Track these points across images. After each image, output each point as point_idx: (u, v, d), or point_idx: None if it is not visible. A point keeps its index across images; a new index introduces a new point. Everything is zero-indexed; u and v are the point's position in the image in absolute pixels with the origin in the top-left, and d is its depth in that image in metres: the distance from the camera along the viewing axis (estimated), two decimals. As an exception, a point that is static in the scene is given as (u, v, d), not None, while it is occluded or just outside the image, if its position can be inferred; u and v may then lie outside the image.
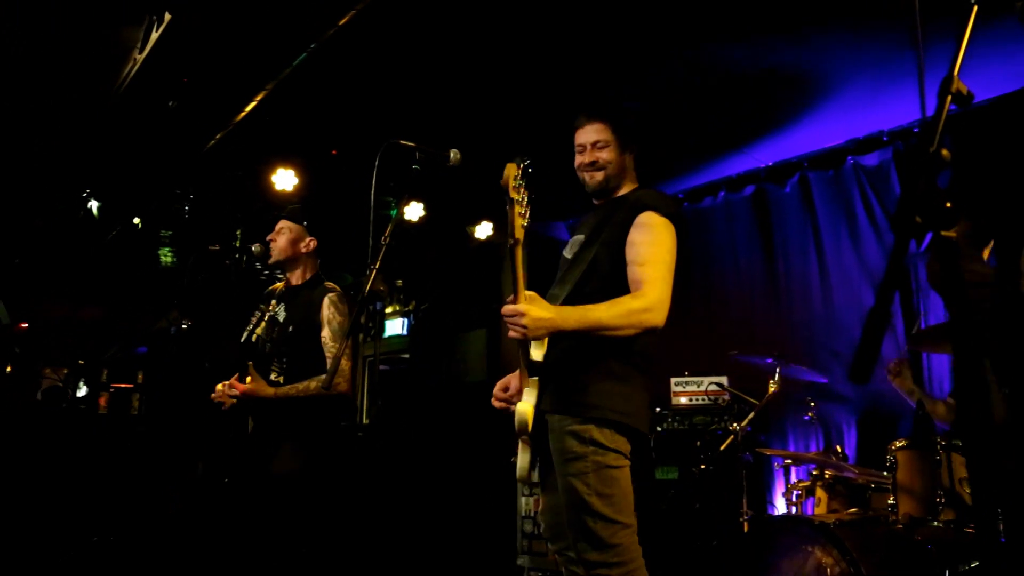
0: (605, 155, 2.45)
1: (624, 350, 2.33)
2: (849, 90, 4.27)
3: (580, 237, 2.50)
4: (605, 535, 2.20)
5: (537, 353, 2.34)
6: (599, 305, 2.20)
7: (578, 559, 2.25)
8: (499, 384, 2.56)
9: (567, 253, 2.55)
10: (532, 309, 2.10)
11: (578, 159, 2.51)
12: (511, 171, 2.11)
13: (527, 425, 2.30)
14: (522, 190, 2.12)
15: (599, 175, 2.46)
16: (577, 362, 2.32)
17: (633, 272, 2.28)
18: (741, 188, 5.57)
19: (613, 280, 2.31)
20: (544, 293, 2.36)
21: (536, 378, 2.33)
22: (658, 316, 2.22)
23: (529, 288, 2.20)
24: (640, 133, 2.30)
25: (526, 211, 2.14)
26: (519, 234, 2.12)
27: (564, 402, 2.30)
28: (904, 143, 4.60)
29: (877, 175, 4.74)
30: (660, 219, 2.32)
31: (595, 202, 2.58)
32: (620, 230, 2.34)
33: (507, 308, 2.12)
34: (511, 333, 2.14)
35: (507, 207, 2.12)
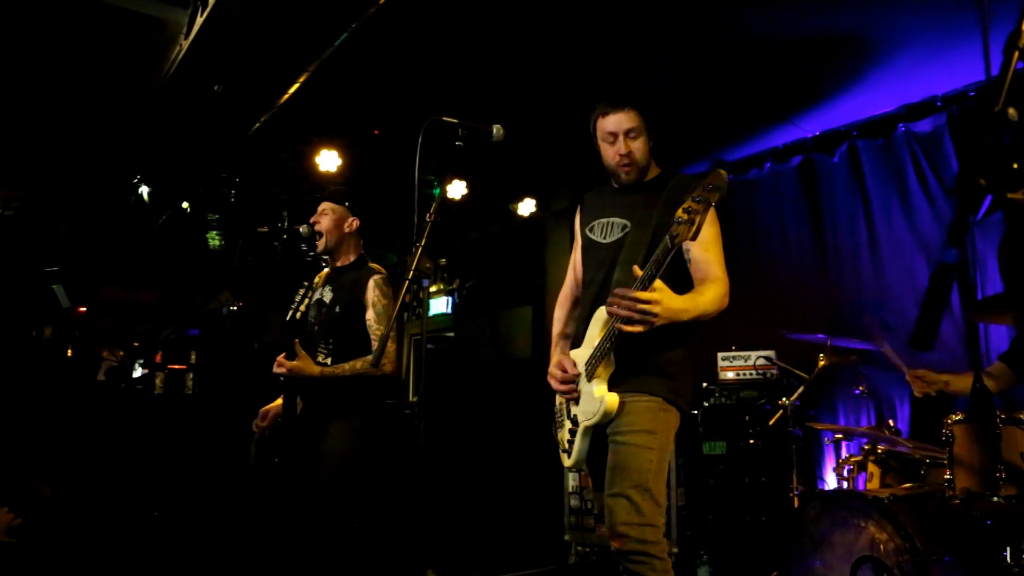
0: (638, 145, 2.44)
1: (691, 337, 2.45)
2: (901, 53, 4.12)
3: (618, 220, 2.50)
4: (648, 513, 2.25)
5: (595, 332, 2.39)
6: (700, 296, 2.27)
7: (617, 534, 2.24)
8: (557, 369, 2.53)
9: (599, 236, 2.54)
10: (665, 299, 2.10)
11: (610, 150, 2.47)
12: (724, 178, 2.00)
13: (614, 412, 2.34)
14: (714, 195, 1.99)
15: (634, 170, 2.47)
16: (659, 347, 2.36)
17: (701, 257, 2.35)
18: (788, 159, 5.44)
19: (674, 264, 2.23)
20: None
21: (611, 368, 2.36)
22: (728, 298, 2.33)
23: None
24: (662, 115, 2.24)
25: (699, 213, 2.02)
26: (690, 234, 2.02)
27: (650, 383, 2.37)
28: (960, 108, 4.43)
29: (930, 142, 4.58)
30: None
31: (615, 186, 2.58)
32: (673, 216, 2.25)
33: (643, 295, 2.07)
34: (631, 327, 2.11)
35: (701, 205, 2.00)
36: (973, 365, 4.16)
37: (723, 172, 2.00)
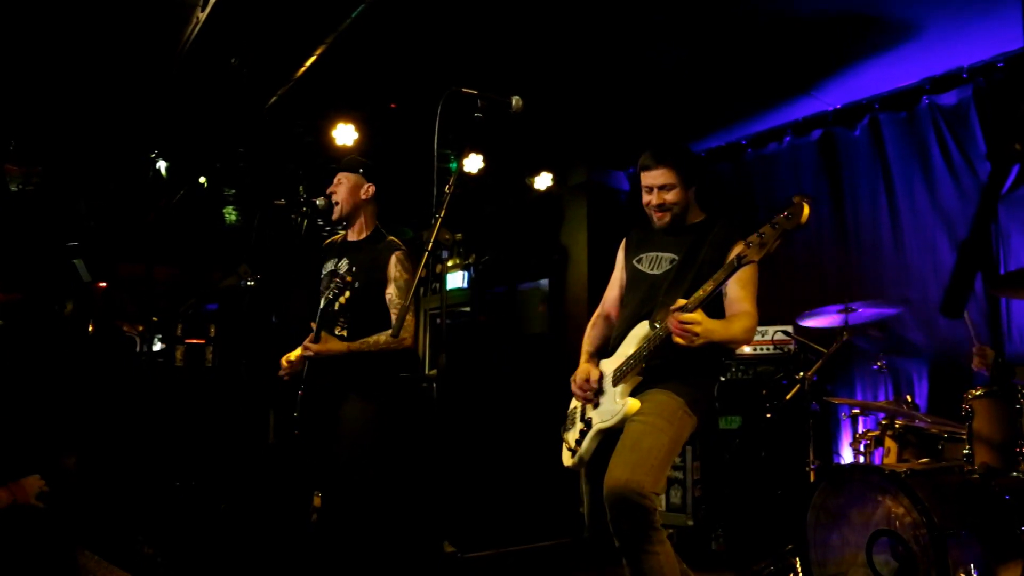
0: (670, 197, 2.64)
1: (718, 366, 2.75)
2: (926, 24, 4.04)
3: (667, 255, 2.67)
4: (654, 477, 2.32)
5: (630, 345, 2.53)
6: (733, 324, 2.46)
7: (618, 489, 2.28)
8: (581, 375, 2.68)
9: (647, 268, 2.71)
10: (706, 321, 2.27)
11: (646, 198, 2.70)
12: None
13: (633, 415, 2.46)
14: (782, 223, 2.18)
15: (667, 216, 2.67)
16: (688, 364, 2.51)
17: (737, 293, 2.51)
18: (808, 132, 5.37)
19: (714, 301, 2.41)
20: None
21: (638, 379, 2.52)
22: (755, 332, 2.55)
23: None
24: (702, 170, 2.42)
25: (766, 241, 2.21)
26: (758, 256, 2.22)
27: (676, 387, 2.50)
28: (987, 79, 4.34)
29: (955, 115, 4.50)
30: None
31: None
32: (720, 253, 2.50)
33: (686, 316, 2.24)
34: (679, 339, 2.26)
35: (777, 231, 2.19)
36: (994, 340, 4.12)
37: (806, 205, 2.17)
